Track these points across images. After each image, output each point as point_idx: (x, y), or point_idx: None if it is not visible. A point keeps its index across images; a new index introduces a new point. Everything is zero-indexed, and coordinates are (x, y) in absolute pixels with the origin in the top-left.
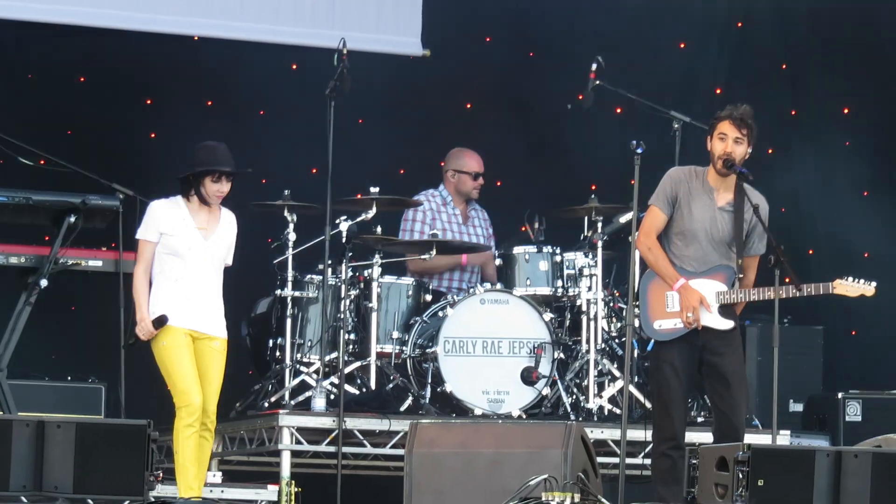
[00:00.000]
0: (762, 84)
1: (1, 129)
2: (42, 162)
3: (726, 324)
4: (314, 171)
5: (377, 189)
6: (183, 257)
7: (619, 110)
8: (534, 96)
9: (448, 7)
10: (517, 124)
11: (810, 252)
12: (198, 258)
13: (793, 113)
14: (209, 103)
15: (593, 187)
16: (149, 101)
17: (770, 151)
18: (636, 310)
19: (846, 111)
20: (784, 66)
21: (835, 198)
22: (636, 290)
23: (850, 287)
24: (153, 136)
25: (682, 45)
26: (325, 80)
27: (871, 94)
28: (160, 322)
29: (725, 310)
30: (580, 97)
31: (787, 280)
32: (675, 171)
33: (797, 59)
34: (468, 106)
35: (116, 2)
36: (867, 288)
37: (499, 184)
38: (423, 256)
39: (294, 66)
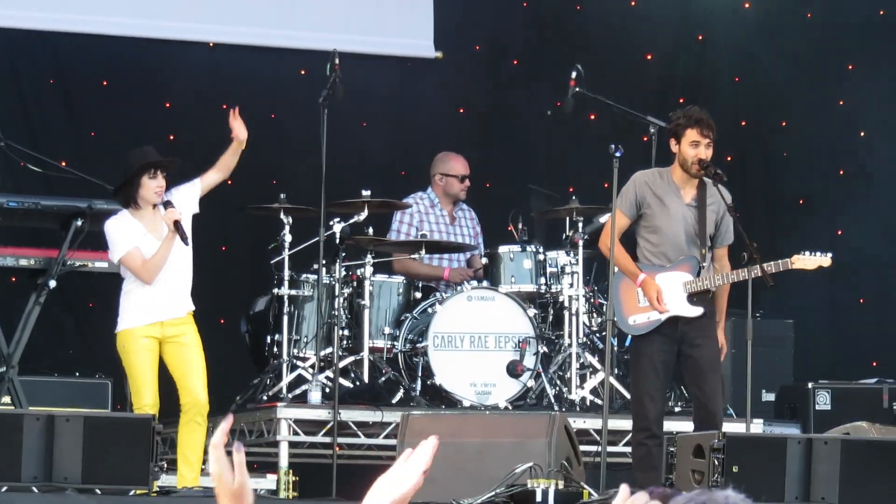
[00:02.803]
0: (718, 94)
1: (27, 132)
2: (64, 163)
3: (695, 311)
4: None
5: (368, 192)
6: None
7: (593, 116)
8: (519, 102)
9: (444, 17)
10: (506, 129)
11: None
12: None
13: (742, 123)
14: (224, 106)
15: (570, 189)
16: (167, 105)
17: (729, 159)
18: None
19: (784, 124)
20: (737, 79)
21: (776, 204)
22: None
23: (808, 260)
24: (171, 137)
25: (650, 57)
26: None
27: (809, 107)
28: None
29: (694, 297)
30: (558, 104)
31: (765, 273)
32: (638, 175)
33: (748, 72)
34: (461, 111)
35: (138, 12)
36: (824, 259)
37: (487, 185)
38: (412, 256)
39: (303, 72)
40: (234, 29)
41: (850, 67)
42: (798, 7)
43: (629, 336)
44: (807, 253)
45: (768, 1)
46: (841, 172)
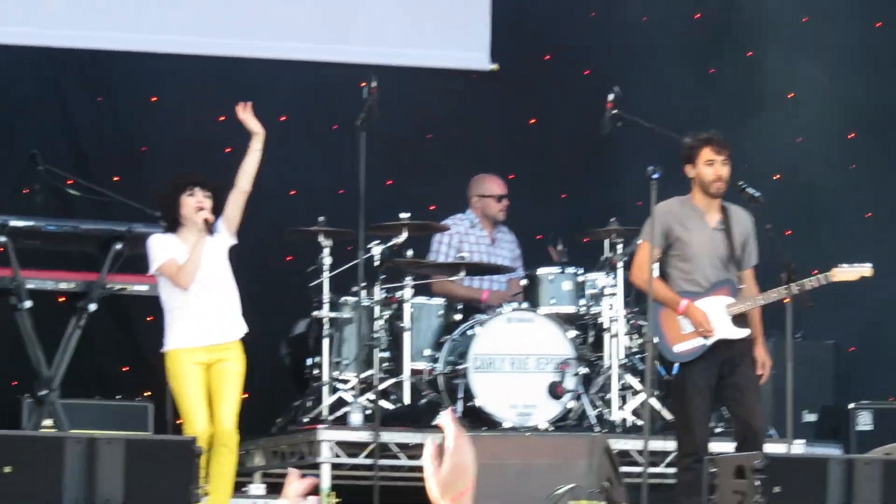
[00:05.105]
0: (771, 110)
1: (76, 150)
2: (117, 178)
3: (742, 332)
4: (389, 182)
5: (408, 214)
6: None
7: (655, 131)
8: (570, 119)
9: (509, 26)
10: (559, 147)
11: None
12: (198, 283)
13: (798, 140)
14: (281, 119)
15: (639, 203)
16: (222, 118)
17: (777, 177)
18: (656, 339)
19: (851, 136)
20: (791, 95)
21: (838, 220)
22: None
23: (849, 272)
24: (228, 150)
25: (712, 71)
26: (391, 98)
27: (873, 121)
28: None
29: (737, 319)
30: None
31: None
32: (659, 206)
33: (803, 86)
34: (532, 122)
35: (186, 29)
36: (865, 269)
37: (563, 196)
38: (452, 278)
39: (362, 85)
40: (286, 44)
41: None
42: (856, 22)
43: (676, 364)
44: (845, 265)
45: (827, 16)
46: None
